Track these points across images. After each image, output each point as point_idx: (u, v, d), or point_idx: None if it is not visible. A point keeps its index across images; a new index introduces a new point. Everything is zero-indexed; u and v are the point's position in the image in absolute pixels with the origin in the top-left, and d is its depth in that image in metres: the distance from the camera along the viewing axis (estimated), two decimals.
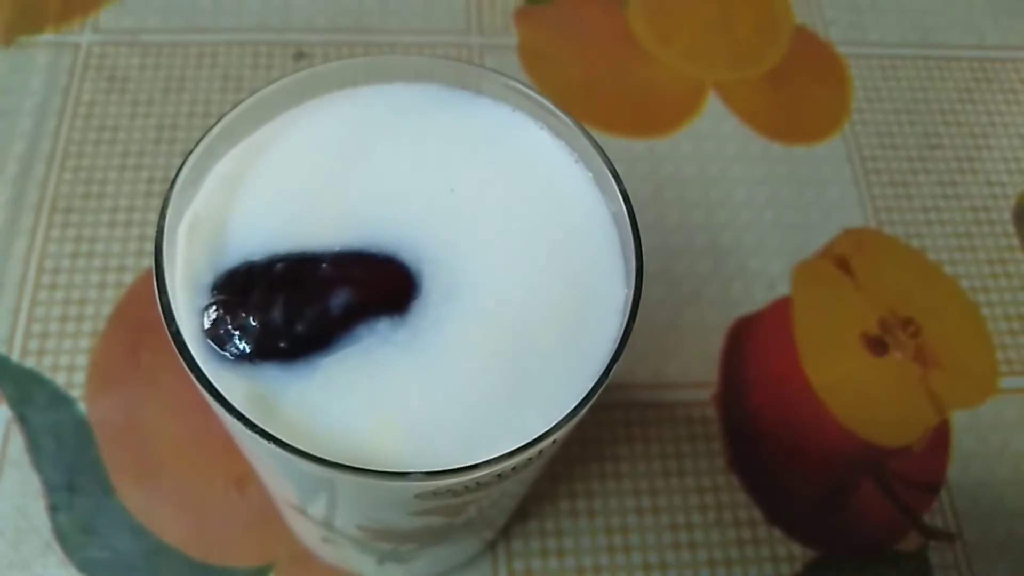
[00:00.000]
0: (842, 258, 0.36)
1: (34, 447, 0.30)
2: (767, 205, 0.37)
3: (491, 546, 0.30)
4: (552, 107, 0.19)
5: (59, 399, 0.31)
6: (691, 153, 0.38)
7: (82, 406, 0.31)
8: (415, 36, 0.40)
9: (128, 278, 0.33)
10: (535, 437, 0.14)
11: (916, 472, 0.33)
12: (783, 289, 0.36)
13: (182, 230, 0.17)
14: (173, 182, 0.16)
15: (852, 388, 0.34)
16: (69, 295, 0.33)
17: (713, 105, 0.39)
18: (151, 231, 0.34)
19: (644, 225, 0.17)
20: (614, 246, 0.18)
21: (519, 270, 0.17)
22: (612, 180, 0.18)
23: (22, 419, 0.30)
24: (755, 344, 0.34)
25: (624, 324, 0.16)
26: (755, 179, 0.38)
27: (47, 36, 0.38)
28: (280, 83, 0.18)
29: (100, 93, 0.37)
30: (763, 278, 0.36)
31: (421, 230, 0.17)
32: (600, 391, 0.15)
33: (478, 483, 0.15)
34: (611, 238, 0.18)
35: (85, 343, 0.32)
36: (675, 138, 0.39)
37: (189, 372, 0.15)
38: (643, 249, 0.17)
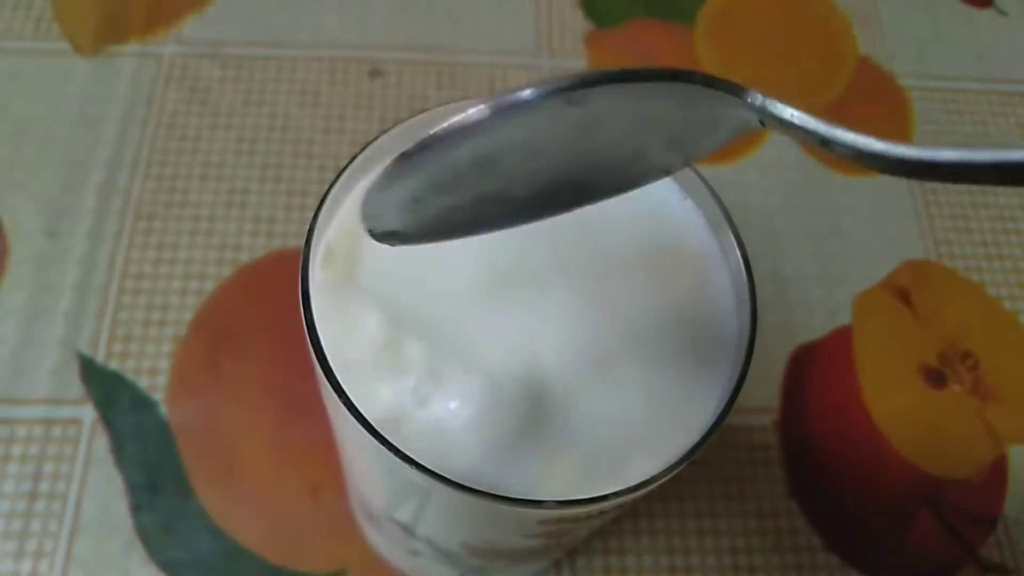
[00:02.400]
0: (902, 289, 0.37)
1: (118, 447, 0.31)
2: (829, 235, 0.38)
3: (556, 564, 0.30)
4: None
5: (142, 402, 0.32)
6: (755, 181, 0.39)
7: (163, 409, 0.32)
8: (486, 56, 0.41)
9: (209, 286, 0.34)
10: (662, 470, 0.15)
11: (973, 505, 0.33)
12: (844, 318, 0.36)
13: (317, 260, 0.18)
14: (317, 212, 0.17)
15: (911, 419, 0.34)
16: (152, 300, 0.34)
17: (776, 135, 0.40)
18: (231, 240, 0.35)
19: None
20: (726, 284, 0.18)
21: (629, 306, 0.18)
22: (724, 219, 0.18)
23: (107, 420, 0.32)
24: (816, 372, 0.35)
25: (742, 362, 0.16)
26: (817, 209, 0.38)
27: (132, 46, 0.39)
28: (422, 115, 0.19)
29: (182, 103, 0.38)
30: (824, 307, 0.36)
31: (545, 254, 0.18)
32: (718, 428, 0.16)
33: (601, 512, 0.16)
34: (723, 276, 0.18)
35: (167, 348, 0.33)
36: (739, 166, 0.39)
37: (330, 387, 0.15)
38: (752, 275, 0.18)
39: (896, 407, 0.34)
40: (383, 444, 0.15)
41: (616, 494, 0.15)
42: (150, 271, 0.34)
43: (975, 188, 0.40)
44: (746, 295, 0.17)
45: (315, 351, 0.16)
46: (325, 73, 0.40)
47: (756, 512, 0.32)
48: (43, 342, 0.33)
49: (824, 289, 0.37)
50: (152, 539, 0.30)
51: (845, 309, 0.36)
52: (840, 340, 0.36)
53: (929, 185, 0.40)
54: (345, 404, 0.15)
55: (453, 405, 0.17)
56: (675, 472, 0.15)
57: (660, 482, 0.15)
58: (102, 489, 0.30)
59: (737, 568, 0.31)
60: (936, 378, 0.35)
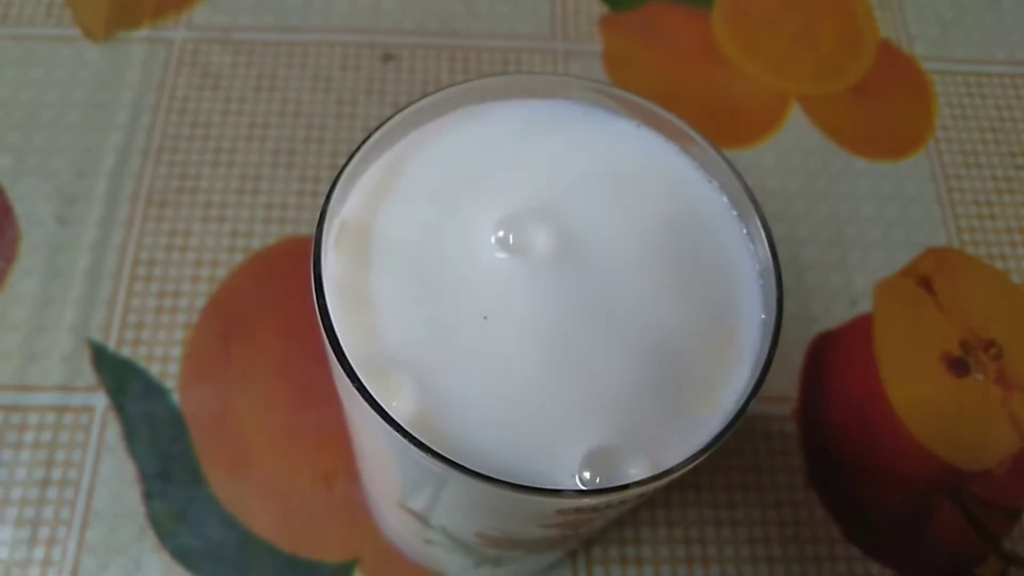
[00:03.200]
0: (924, 277, 0.36)
1: (129, 435, 0.31)
2: (849, 221, 0.37)
3: (571, 554, 0.30)
4: (688, 129, 0.19)
5: (153, 389, 0.32)
6: (774, 166, 0.38)
7: (175, 396, 0.32)
8: (500, 41, 0.40)
9: (221, 272, 0.34)
10: (680, 461, 0.15)
11: (996, 496, 0.32)
12: (865, 306, 0.35)
13: (330, 239, 0.17)
14: (329, 193, 0.17)
15: (932, 409, 0.34)
16: (164, 287, 0.34)
17: (796, 118, 0.39)
18: (243, 227, 0.35)
19: None
20: (752, 273, 0.18)
21: (652, 294, 0.17)
22: (751, 205, 0.18)
23: (119, 407, 0.31)
24: (836, 361, 0.34)
25: (767, 351, 0.16)
26: (838, 194, 0.38)
27: (143, 32, 0.39)
28: (431, 97, 0.18)
29: (193, 89, 0.38)
30: (845, 294, 0.36)
31: (559, 240, 0.18)
32: (740, 420, 0.15)
33: (622, 501, 0.15)
34: (748, 263, 0.18)
35: (179, 335, 0.33)
36: (758, 150, 0.39)
37: (351, 386, 0.15)
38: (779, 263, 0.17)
39: (917, 396, 0.34)
40: (401, 434, 0.14)
41: (638, 483, 0.14)
42: (161, 257, 0.34)
43: (999, 174, 0.39)
44: (772, 282, 0.17)
45: (330, 340, 0.15)
46: (337, 58, 0.39)
47: (774, 502, 0.32)
48: (55, 329, 0.32)
49: (844, 276, 0.36)
50: (164, 527, 0.30)
51: (866, 297, 0.36)
52: (861, 328, 0.35)
53: (952, 171, 0.39)
54: (359, 391, 0.15)
55: (472, 383, 0.16)
56: (698, 461, 0.15)
57: (683, 471, 0.15)
58: (114, 477, 0.30)
59: (755, 559, 0.31)
60: (959, 367, 0.35)
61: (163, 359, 0.32)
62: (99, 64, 0.38)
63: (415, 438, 0.14)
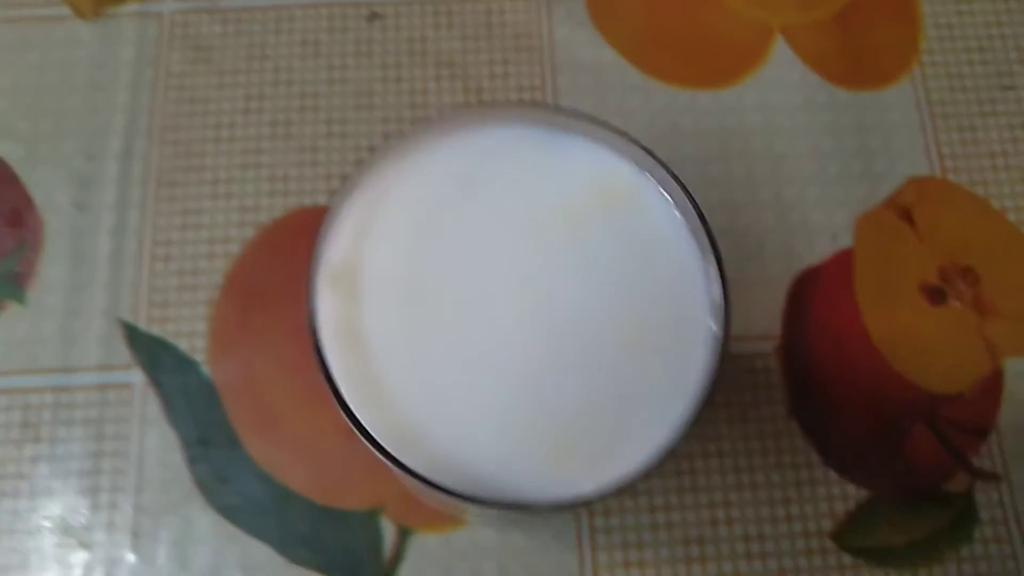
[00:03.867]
0: (905, 208, 0.38)
1: (169, 407, 0.34)
2: (832, 155, 0.38)
3: None
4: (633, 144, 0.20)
5: (185, 363, 0.35)
6: (757, 104, 0.39)
7: (205, 368, 0.35)
8: None
9: (234, 248, 0.36)
10: (638, 471, 0.17)
11: (967, 417, 0.35)
12: (845, 241, 0.37)
13: (323, 280, 0.20)
14: (319, 240, 0.19)
15: (909, 338, 0.36)
16: (183, 266, 0.36)
17: (780, 51, 0.40)
18: (250, 202, 0.37)
19: (710, 181, 0.19)
20: (700, 283, 0.20)
21: (611, 307, 0.19)
22: (699, 220, 0.19)
23: (155, 382, 0.34)
24: (817, 297, 0.36)
25: (716, 357, 0.18)
26: (821, 129, 0.39)
27: (132, 6, 0.40)
28: (395, 140, 0.20)
29: (187, 64, 0.39)
30: (826, 231, 0.37)
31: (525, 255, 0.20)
32: (697, 418, 0.18)
33: (587, 504, 0.18)
34: (698, 274, 0.20)
35: (202, 311, 0.35)
36: (741, 88, 0.39)
37: (340, 409, 0.17)
38: (711, 224, 0.19)
39: (895, 327, 0.36)
40: (396, 465, 0.17)
41: (615, 491, 0.17)
42: (178, 237, 0.36)
43: (984, 96, 0.39)
44: (721, 299, 0.18)
45: (327, 381, 0.18)
46: (323, 20, 0.40)
47: (758, 434, 0.34)
48: (88, 313, 0.35)
49: (826, 212, 0.37)
50: (209, 488, 0.33)
51: (847, 232, 0.37)
52: (841, 264, 0.37)
53: (937, 96, 0.39)
54: (358, 429, 0.17)
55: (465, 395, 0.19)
56: (656, 466, 0.17)
57: (640, 476, 0.17)
58: (159, 445, 0.34)
59: (740, 486, 0.34)
60: (936, 296, 0.36)
61: (190, 334, 0.35)
62: (93, 43, 0.39)
63: (409, 468, 0.17)
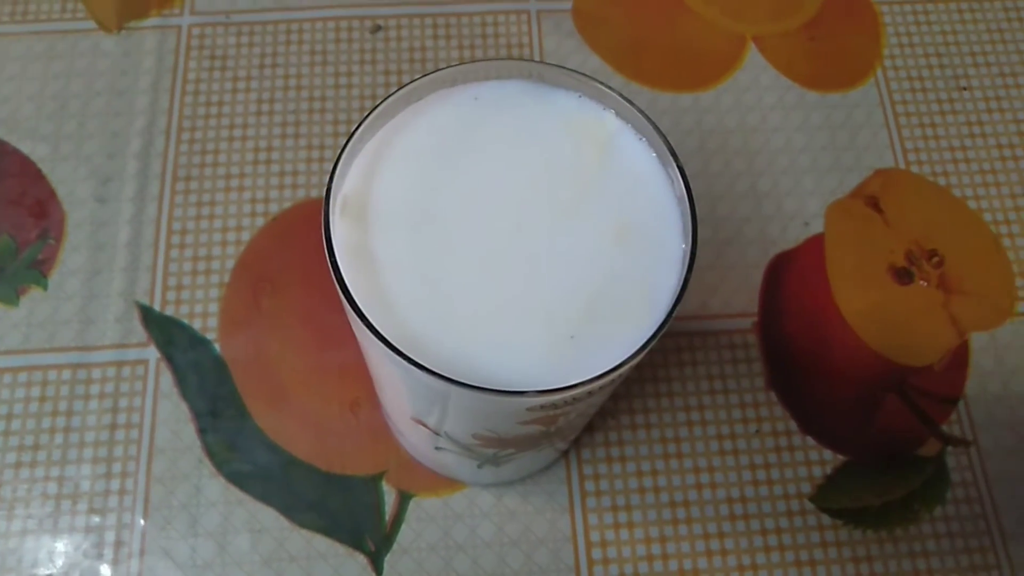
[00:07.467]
0: (872, 196, 0.40)
1: (181, 381, 0.36)
2: (803, 150, 0.41)
3: (564, 454, 0.35)
4: (616, 94, 0.23)
5: (197, 341, 0.37)
6: (732, 104, 0.42)
7: (216, 346, 0.37)
8: (479, 5, 0.43)
9: (245, 236, 0.39)
10: (618, 363, 0.19)
11: (937, 387, 0.37)
12: (817, 227, 0.40)
13: (336, 210, 0.22)
14: (331, 176, 0.21)
15: (880, 315, 0.38)
16: (197, 252, 0.38)
17: (753, 58, 0.43)
18: (260, 194, 0.39)
19: (691, 173, 0.22)
20: (674, 209, 0.22)
21: (594, 228, 0.22)
22: (671, 156, 0.22)
23: (169, 359, 0.36)
24: (791, 278, 0.39)
25: (684, 274, 0.20)
26: (792, 126, 0.42)
27: (152, 20, 0.43)
28: (402, 90, 0.23)
29: (204, 71, 0.42)
30: (799, 218, 0.40)
31: (517, 202, 0.22)
32: (665, 327, 0.20)
33: (574, 399, 0.20)
34: (671, 202, 0.22)
35: (214, 293, 0.38)
36: (718, 91, 0.42)
37: (357, 319, 0.20)
38: (694, 201, 0.22)
39: (865, 305, 0.38)
40: (404, 359, 0.19)
41: (586, 382, 0.19)
42: (192, 226, 0.39)
43: (943, 97, 0.43)
44: (688, 214, 0.21)
45: (341, 290, 0.20)
46: (331, 32, 0.43)
47: (738, 404, 0.36)
48: (106, 295, 0.37)
49: (798, 201, 0.40)
50: (218, 456, 0.35)
51: (818, 219, 0.40)
52: (814, 247, 0.39)
53: (899, 96, 0.42)
54: (369, 329, 0.19)
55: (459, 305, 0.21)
56: (621, 371, 0.19)
57: (610, 377, 0.19)
58: (171, 417, 0.35)
59: (723, 452, 0.36)
60: (903, 276, 0.39)
61: (203, 315, 0.37)
62: (115, 53, 0.42)
63: (415, 360, 0.19)
